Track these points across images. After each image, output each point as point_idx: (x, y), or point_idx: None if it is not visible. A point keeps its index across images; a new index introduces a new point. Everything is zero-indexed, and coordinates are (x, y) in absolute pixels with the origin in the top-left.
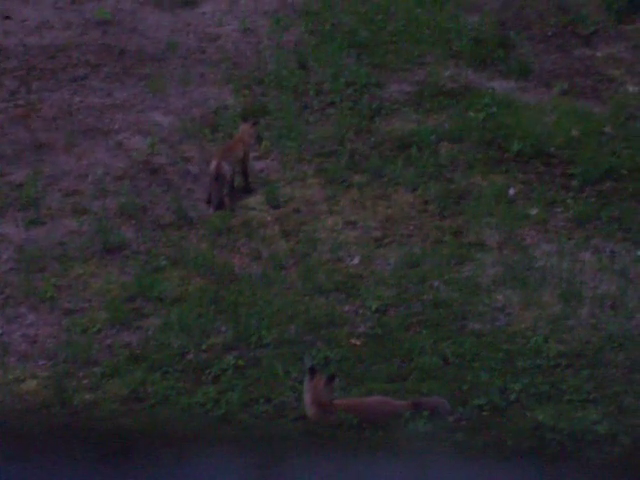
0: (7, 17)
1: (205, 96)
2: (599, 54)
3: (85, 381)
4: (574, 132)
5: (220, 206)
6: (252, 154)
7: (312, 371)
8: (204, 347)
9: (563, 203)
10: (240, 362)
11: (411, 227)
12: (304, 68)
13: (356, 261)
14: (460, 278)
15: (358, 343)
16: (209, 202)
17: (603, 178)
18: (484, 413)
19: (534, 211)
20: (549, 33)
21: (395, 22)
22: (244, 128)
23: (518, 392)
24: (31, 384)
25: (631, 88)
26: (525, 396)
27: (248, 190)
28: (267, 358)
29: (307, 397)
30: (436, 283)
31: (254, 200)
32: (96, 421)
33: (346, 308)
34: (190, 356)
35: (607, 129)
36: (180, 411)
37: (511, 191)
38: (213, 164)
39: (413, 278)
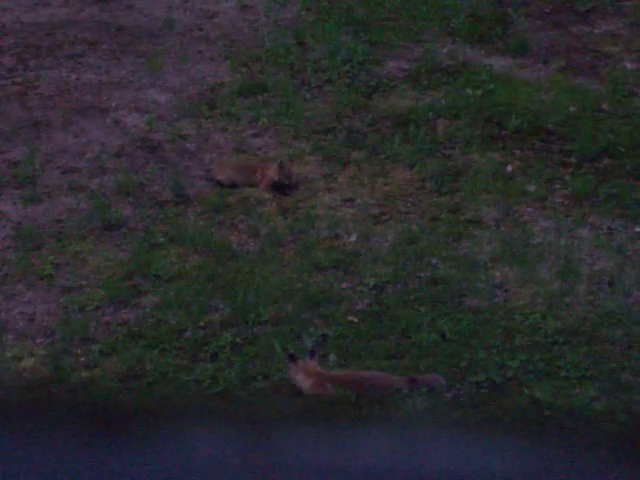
0: None
1: (202, 73)
2: (597, 31)
3: (83, 359)
4: (572, 109)
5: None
6: (249, 131)
7: (292, 357)
8: (202, 324)
9: (561, 180)
10: (238, 339)
11: (408, 204)
12: (301, 45)
13: (353, 238)
14: (458, 255)
15: (356, 320)
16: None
17: (601, 155)
18: (482, 390)
19: (532, 188)
20: (547, 9)
21: None
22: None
23: (516, 369)
24: (29, 362)
25: (629, 65)
26: (523, 373)
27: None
28: (265, 335)
29: (299, 377)
30: (434, 260)
31: None
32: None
33: (344, 285)
34: (188, 333)
35: (605, 106)
36: (178, 388)
37: (509, 168)
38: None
39: (411, 255)
